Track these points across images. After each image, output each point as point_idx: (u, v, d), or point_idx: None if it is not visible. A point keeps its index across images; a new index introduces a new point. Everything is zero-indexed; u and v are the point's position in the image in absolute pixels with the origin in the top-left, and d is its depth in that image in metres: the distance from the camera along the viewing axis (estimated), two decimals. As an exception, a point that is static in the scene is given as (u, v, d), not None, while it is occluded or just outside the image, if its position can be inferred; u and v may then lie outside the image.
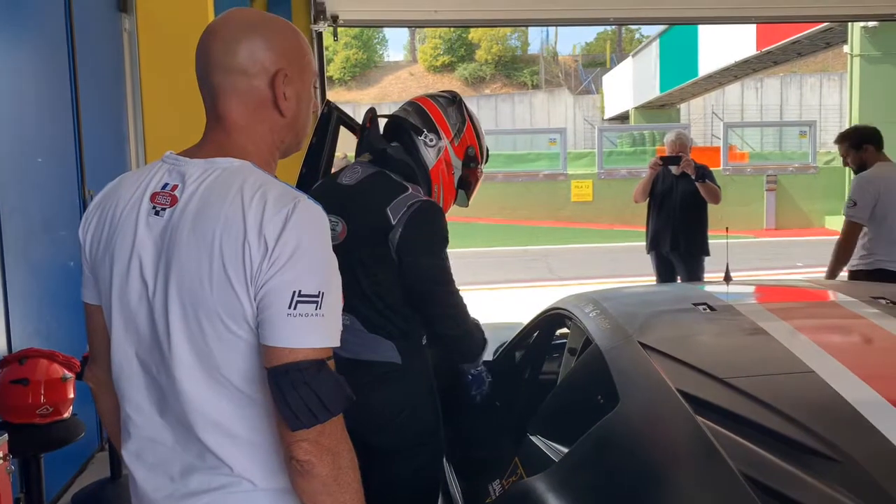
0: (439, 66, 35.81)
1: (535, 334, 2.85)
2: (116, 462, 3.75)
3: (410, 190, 2.09)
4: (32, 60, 3.66)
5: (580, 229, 14.96)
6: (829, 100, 28.07)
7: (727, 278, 2.70)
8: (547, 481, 1.78)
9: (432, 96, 2.27)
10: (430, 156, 2.17)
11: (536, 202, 15.82)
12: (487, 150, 2.33)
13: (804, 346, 1.87)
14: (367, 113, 2.24)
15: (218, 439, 1.19)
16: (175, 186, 1.21)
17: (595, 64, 36.16)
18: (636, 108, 26.02)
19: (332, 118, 2.82)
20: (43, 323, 3.52)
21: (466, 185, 2.29)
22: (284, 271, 1.12)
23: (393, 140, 2.19)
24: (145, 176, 1.26)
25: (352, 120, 2.89)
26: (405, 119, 2.19)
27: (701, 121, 27.24)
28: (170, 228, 1.19)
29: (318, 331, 1.13)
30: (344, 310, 1.97)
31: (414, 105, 2.23)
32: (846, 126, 16.89)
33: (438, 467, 2.25)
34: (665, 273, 5.56)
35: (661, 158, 5.44)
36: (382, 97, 33.73)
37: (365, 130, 2.22)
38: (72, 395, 2.87)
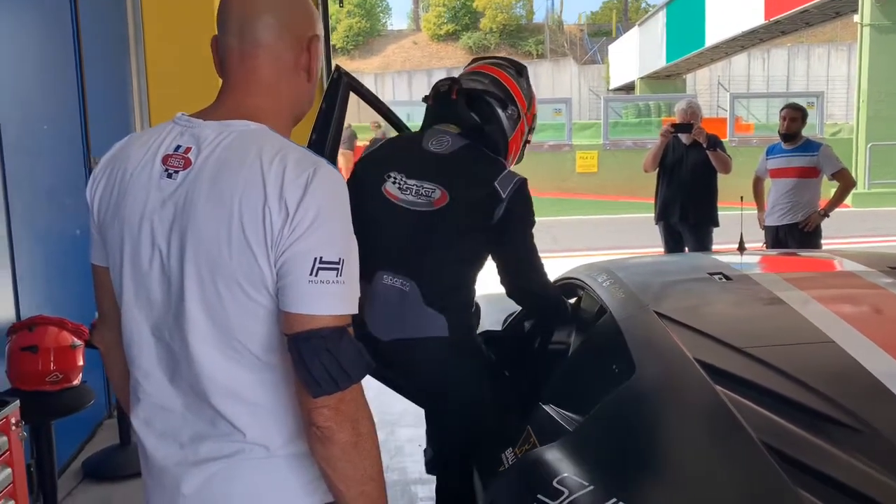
0: (443, 34, 35.48)
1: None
2: (125, 429, 3.77)
3: (507, 167, 2.17)
4: (36, 28, 3.61)
5: (585, 200, 14.90)
6: (836, 70, 27.82)
7: (741, 248, 2.68)
8: (562, 450, 1.76)
9: (500, 66, 2.29)
10: (510, 128, 2.22)
11: (541, 173, 15.68)
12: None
13: (823, 315, 1.86)
14: (449, 83, 2.26)
15: (232, 406, 1.17)
16: (188, 149, 1.18)
17: (601, 33, 35.79)
18: (642, 79, 25.83)
19: (341, 84, 2.76)
20: (51, 291, 3.51)
21: (525, 148, 2.37)
22: (306, 237, 1.10)
23: (479, 115, 2.22)
24: (156, 137, 1.22)
25: (362, 86, 2.84)
26: (486, 91, 2.21)
27: (707, 91, 27.02)
28: (184, 191, 1.16)
29: (339, 298, 1.11)
30: (408, 275, 2.09)
31: (488, 77, 2.24)
32: (854, 97, 16.75)
33: (479, 442, 2.28)
34: (673, 244, 5.53)
35: (673, 126, 5.38)
36: (385, 66, 33.47)
37: (450, 102, 2.23)
38: (81, 363, 2.87)
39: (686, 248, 5.48)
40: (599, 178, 15.79)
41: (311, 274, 1.09)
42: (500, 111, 2.19)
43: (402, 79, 31.78)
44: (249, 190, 1.11)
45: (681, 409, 1.62)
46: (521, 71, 2.30)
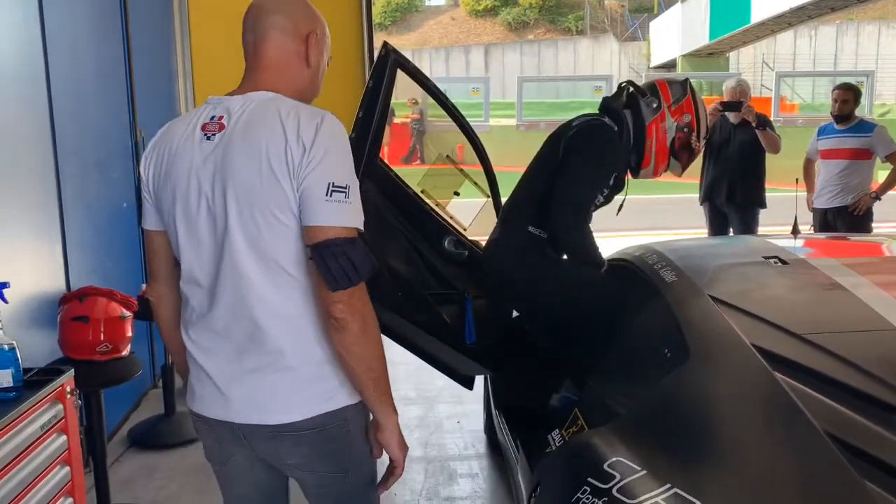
0: (482, 10, 35.04)
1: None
2: (170, 399, 3.84)
3: (607, 119, 2.61)
4: (87, 6, 3.64)
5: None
6: (887, 49, 26.96)
7: (795, 231, 2.62)
8: (612, 433, 1.74)
9: (667, 77, 2.87)
10: (647, 113, 2.63)
11: (579, 151, 15.50)
12: (708, 128, 2.82)
13: (886, 302, 1.80)
14: (622, 84, 2.78)
15: (269, 319, 1.45)
16: (221, 117, 1.47)
17: (642, 9, 35.05)
18: (684, 56, 25.29)
19: (388, 61, 2.72)
20: (99, 262, 3.57)
21: (680, 153, 2.69)
22: (320, 167, 1.38)
23: (621, 103, 2.70)
24: (193, 116, 1.52)
25: (409, 62, 2.79)
26: (637, 87, 2.70)
27: (751, 70, 26.39)
28: (221, 147, 1.44)
29: (349, 213, 1.40)
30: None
31: (649, 82, 2.76)
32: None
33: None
34: (718, 225, 5.40)
35: (722, 104, 5.23)
36: (423, 42, 33.25)
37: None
38: (129, 334, 2.91)
39: (731, 230, 5.37)
40: (639, 158, 15.52)
41: (326, 195, 1.38)
42: (640, 98, 2.65)
43: (439, 55, 31.53)
44: (273, 136, 1.40)
45: (738, 396, 1.59)
46: (683, 81, 2.76)
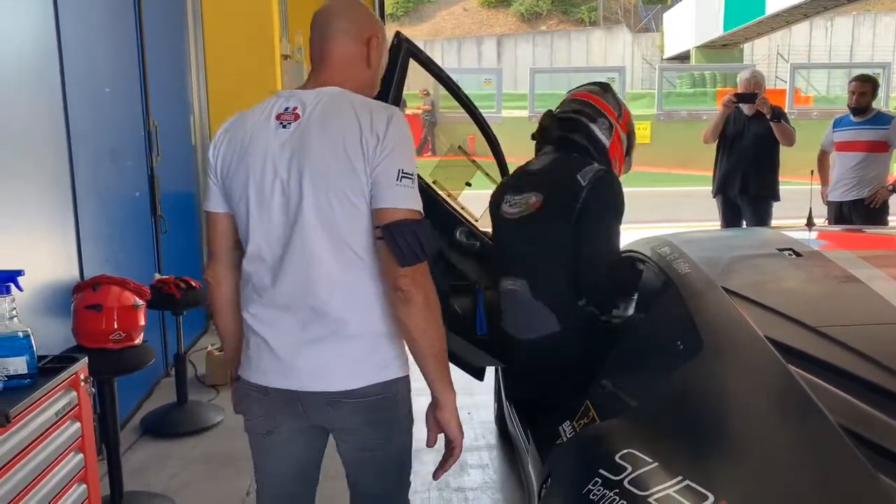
0: (494, 1, 34.91)
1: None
2: (183, 388, 3.86)
3: (595, 164, 2.46)
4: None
5: (637, 172, 14.59)
6: (904, 41, 26.65)
7: (810, 223, 2.60)
8: (624, 425, 1.74)
9: (588, 91, 2.69)
10: (605, 137, 2.59)
11: (591, 143, 15.41)
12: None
13: (902, 296, 1.78)
14: (545, 115, 2.69)
15: (333, 294, 1.56)
16: (296, 108, 1.60)
17: (656, 0, 34.85)
18: (698, 48, 25.12)
19: (401, 50, 2.72)
20: (112, 251, 3.58)
21: (630, 153, 2.72)
22: (392, 155, 1.52)
23: (570, 133, 2.60)
24: (266, 106, 1.64)
25: (421, 52, 2.79)
26: (579, 113, 2.61)
27: (765, 62, 26.17)
28: (298, 135, 1.57)
29: (416, 198, 1.55)
30: (516, 275, 2.45)
31: (578, 101, 2.66)
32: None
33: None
34: (731, 217, 5.37)
35: (736, 95, 5.19)
36: (435, 33, 33.17)
37: (547, 129, 2.67)
38: (142, 323, 2.92)
39: (744, 223, 5.33)
40: (652, 149, 15.44)
41: (397, 180, 1.52)
42: (591, 125, 2.58)
43: (451, 46, 31.45)
44: (349, 128, 1.54)
45: (751, 388, 1.57)
46: (605, 88, 2.71)
